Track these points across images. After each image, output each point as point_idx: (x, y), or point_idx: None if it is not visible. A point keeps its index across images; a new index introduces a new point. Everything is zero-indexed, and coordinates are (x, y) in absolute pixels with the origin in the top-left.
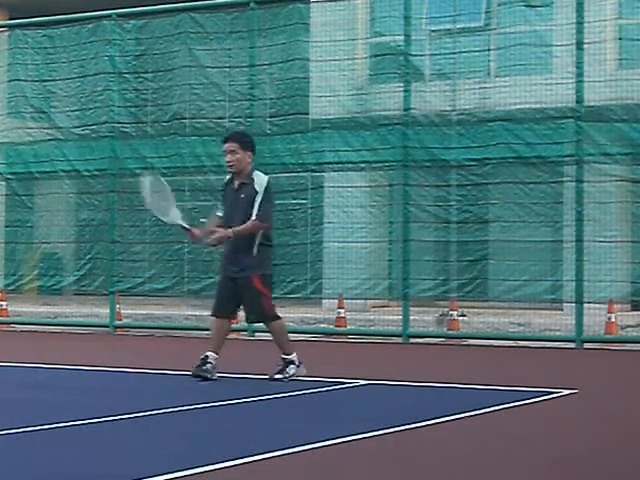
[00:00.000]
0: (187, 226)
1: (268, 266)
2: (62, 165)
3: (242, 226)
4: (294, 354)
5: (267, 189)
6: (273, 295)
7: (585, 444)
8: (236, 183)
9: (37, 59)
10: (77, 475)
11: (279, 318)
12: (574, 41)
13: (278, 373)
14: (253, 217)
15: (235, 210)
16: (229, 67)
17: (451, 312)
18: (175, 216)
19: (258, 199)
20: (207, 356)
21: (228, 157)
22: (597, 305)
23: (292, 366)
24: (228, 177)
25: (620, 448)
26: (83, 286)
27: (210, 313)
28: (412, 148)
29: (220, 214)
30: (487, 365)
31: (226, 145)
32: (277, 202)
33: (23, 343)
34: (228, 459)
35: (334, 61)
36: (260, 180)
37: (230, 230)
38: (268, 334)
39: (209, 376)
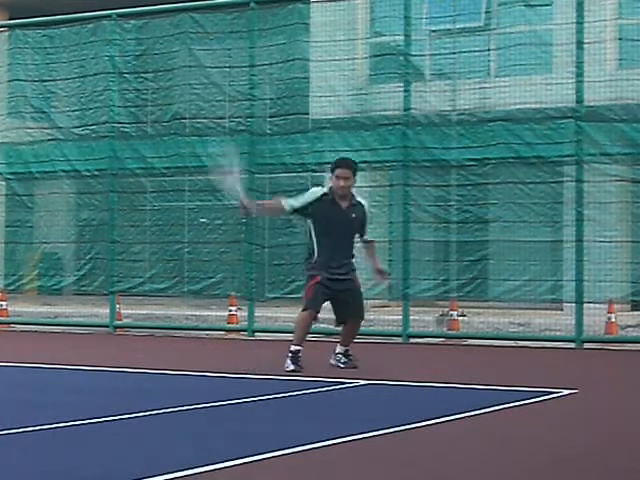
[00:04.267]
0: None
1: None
2: (62, 165)
3: (374, 252)
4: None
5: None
6: (274, 295)
7: (585, 444)
8: (342, 203)
9: (37, 59)
10: (77, 475)
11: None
12: (574, 41)
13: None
14: (369, 238)
15: (342, 228)
16: (229, 67)
17: (451, 312)
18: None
19: (367, 221)
20: (297, 351)
21: (342, 183)
22: (597, 305)
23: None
24: (322, 192)
25: (620, 448)
26: (83, 286)
27: (304, 307)
28: (412, 148)
29: (289, 200)
30: (487, 365)
31: (341, 171)
32: None
33: (23, 343)
34: (228, 459)
35: (334, 61)
36: (365, 203)
37: (377, 264)
38: (268, 334)
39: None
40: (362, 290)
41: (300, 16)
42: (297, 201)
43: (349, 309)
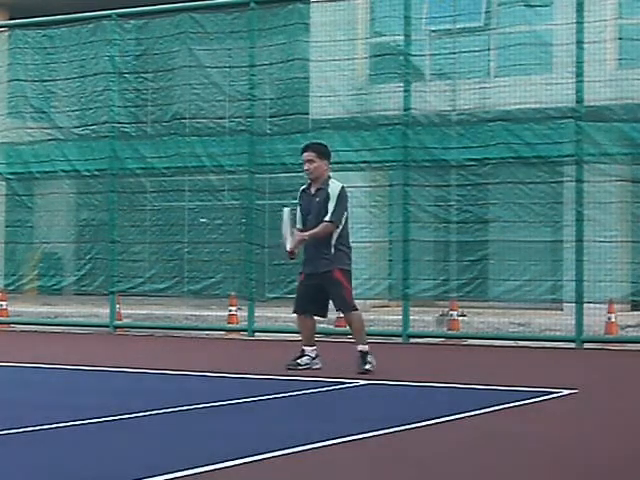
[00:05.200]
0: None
1: (347, 264)
2: (62, 165)
3: (316, 228)
4: (367, 346)
5: (340, 194)
6: (274, 295)
7: (585, 444)
8: (312, 189)
9: (37, 59)
10: (77, 475)
11: (357, 309)
12: (574, 41)
13: (363, 365)
14: (327, 218)
15: (310, 214)
16: (229, 67)
17: (451, 312)
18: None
19: (332, 203)
20: (303, 350)
21: (306, 165)
22: (597, 305)
23: (370, 357)
24: (304, 185)
25: (620, 448)
26: (83, 286)
27: (294, 311)
28: (412, 148)
29: (299, 226)
30: (487, 365)
31: (304, 154)
32: (277, 202)
33: (23, 343)
34: (228, 459)
35: (334, 61)
36: (334, 186)
37: (306, 233)
38: (268, 334)
39: (301, 367)
40: (341, 283)
41: (300, 16)
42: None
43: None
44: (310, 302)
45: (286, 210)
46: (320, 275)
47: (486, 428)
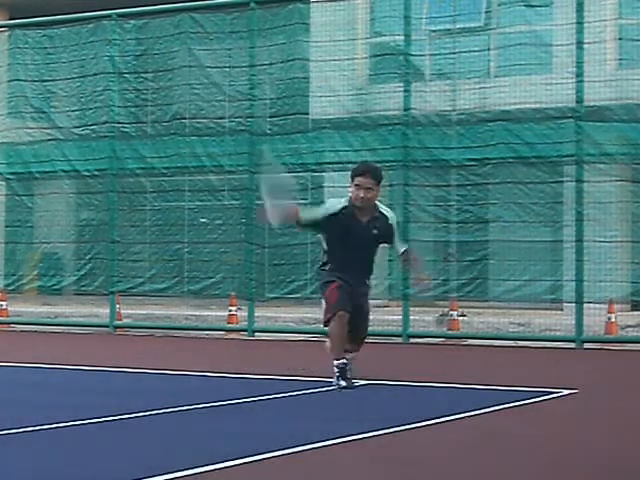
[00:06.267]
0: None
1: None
2: (62, 165)
3: (417, 256)
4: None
5: (398, 223)
6: (274, 295)
7: (585, 444)
8: (363, 217)
9: (37, 59)
10: (76, 475)
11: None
12: (574, 41)
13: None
14: (405, 247)
15: (361, 245)
16: (229, 67)
17: (451, 312)
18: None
19: (397, 233)
20: (343, 364)
21: (362, 193)
22: (597, 305)
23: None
24: (341, 206)
25: (620, 448)
26: (83, 286)
27: (328, 317)
28: (412, 148)
29: (303, 212)
30: (487, 365)
31: (361, 180)
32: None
33: (23, 343)
34: (228, 459)
35: (334, 61)
36: (390, 214)
37: (418, 259)
38: (268, 334)
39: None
40: (370, 316)
41: (300, 16)
42: (310, 214)
43: (354, 329)
44: (350, 303)
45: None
46: (357, 300)
47: (486, 428)
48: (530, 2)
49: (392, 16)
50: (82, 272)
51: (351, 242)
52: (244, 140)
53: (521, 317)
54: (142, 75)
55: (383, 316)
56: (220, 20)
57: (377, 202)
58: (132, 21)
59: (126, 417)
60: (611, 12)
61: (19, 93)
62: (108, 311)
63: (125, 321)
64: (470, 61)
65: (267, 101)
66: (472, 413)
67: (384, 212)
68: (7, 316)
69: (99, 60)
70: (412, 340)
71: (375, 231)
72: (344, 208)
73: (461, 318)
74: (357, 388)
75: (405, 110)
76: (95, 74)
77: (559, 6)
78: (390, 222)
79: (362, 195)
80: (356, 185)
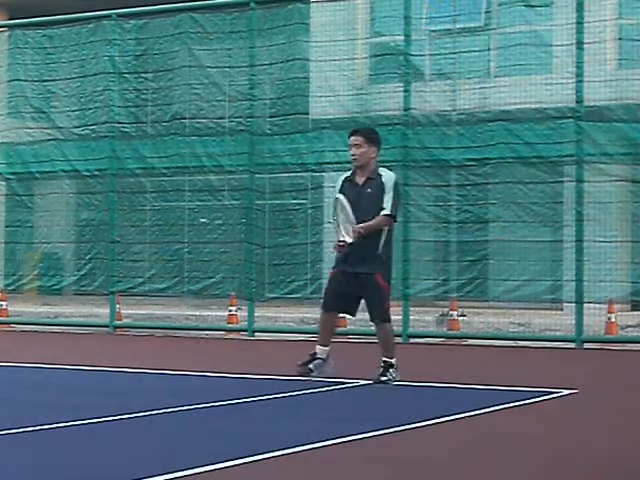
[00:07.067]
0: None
1: (390, 265)
2: (62, 165)
3: (372, 221)
4: (394, 360)
5: (396, 186)
6: (274, 295)
7: (585, 444)
8: (360, 179)
9: (37, 59)
10: (76, 475)
11: (390, 321)
12: (574, 41)
13: (382, 375)
14: (386, 212)
15: (359, 206)
16: (229, 67)
17: (451, 312)
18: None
19: (388, 194)
20: (315, 352)
21: (352, 150)
22: (597, 305)
23: (392, 369)
24: (346, 174)
25: (620, 448)
26: (83, 286)
27: (320, 306)
28: (412, 148)
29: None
30: (487, 365)
31: (352, 138)
32: (277, 202)
33: (23, 343)
34: (228, 459)
35: (334, 61)
36: (388, 176)
37: (362, 225)
38: (268, 334)
39: (314, 374)
40: (382, 291)
41: (300, 16)
42: (335, 206)
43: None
44: (340, 299)
45: (341, 197)
46: (360, 275)
47: (486, 428)
48: (530, 2)
49: (392, 16)
50: (82, 272)
51: (353, 205)
52: (244, 140)
53: (521, 317)
54: (142, 75)
55: None
56: (220, 20)
57: (383, 168)
58: (132, 21)
59: (126, 417)
60: (611, 12)
61: (19, 93)
62: (108, 311)
63: (125, 321)
64: (470, 61)
65: (267, 101)
66: (472, 413)
67: (382, 173)
68: (7, 316)
69: (99, 60)
70: (412, 340)
71: (369, 190)
72: (346, 177)
73: (461, 318)
74: (357, 388)
75: (405, 110)
76: (95, 74)
77: (559, 6)
78: (383, 180)
79: (352, 152)
80: (349, 146)
